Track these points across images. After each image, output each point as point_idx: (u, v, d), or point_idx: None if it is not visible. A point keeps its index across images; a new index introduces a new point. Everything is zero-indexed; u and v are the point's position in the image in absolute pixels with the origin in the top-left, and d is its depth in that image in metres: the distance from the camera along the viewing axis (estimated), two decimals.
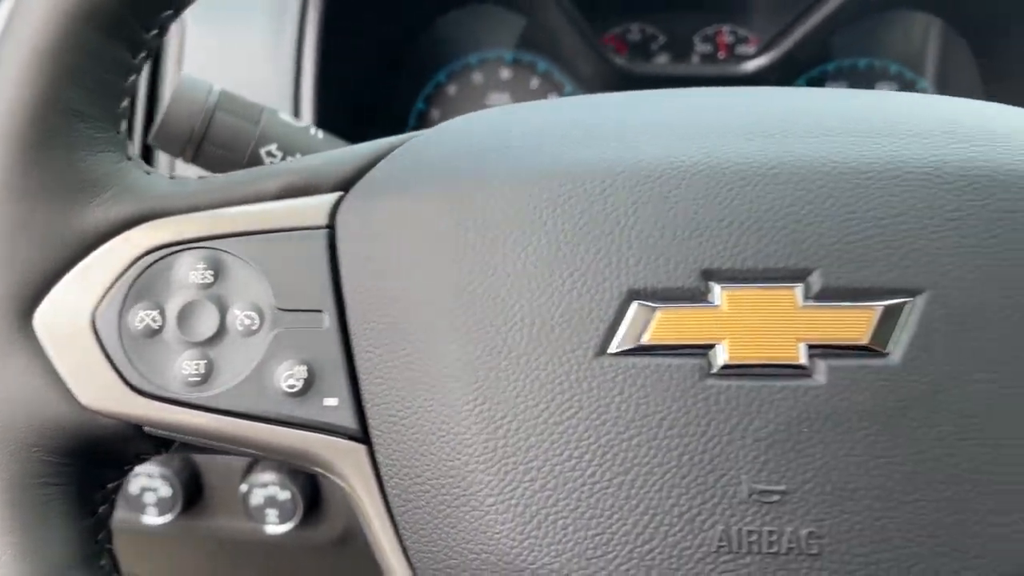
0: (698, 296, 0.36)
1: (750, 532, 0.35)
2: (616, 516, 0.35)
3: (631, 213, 0.37)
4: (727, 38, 0.98)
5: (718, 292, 0.36)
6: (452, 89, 1.01)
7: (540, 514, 0.36)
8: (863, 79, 0.98)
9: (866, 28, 0.98)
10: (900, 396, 0.35)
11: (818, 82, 0.99)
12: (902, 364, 0.35)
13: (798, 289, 0.36)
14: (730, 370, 0.36)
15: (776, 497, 0.35)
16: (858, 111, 0.41)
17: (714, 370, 0.36)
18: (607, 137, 0.40)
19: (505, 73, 1.01)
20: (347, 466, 0.39)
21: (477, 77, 1.01)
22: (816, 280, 0.36)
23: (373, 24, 0.89)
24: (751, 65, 0.91)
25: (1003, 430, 0.35)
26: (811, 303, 0.36)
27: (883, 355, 0.35)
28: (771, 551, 0.35)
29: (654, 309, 0.36)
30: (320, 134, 0.60)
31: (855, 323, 0.36)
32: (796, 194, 0.37)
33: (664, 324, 0.36)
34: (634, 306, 0.36)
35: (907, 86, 0.97)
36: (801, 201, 0.37)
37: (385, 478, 0.39)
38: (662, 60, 0.99)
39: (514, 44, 1.01)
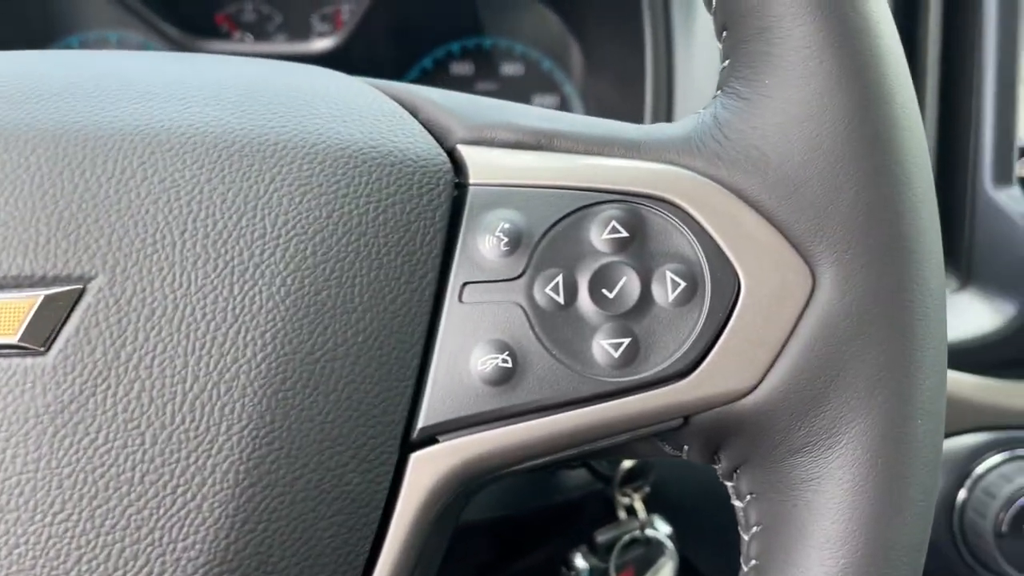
0: None
1: None
2: None
3: None
4: (345, 17, 0.93)
5: None
6: None
7: None
8: (487, 59, 0.95)
9: (498, 10, 0.96)
10: (50, 400, 0.30)
11: (444, 62, 0.95)
12: (58, 362, 0.30)
13: None
14: None
15: None
16: (117, 73, 0.36)
17: None
18: None
19: None
20: None
21: None
22: None
23: None
24: (318, 45, 0.86)
25: (165, 434, 0.30)
26: None
27: (38, 353, 0.30)
28: None
29: None
30: None
31: (7, 318, 0.30)
32: None
33: None
34: None
35: (532, 66, 0.95)
36: None
37: None
38: (280, 39, 0.94)
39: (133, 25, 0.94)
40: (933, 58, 0.69)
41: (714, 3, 0.35)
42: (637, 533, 0.59)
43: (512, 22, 0.95)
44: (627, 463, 0.58)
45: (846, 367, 0.31)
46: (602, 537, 0.59)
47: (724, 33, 0.35)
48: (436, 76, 0.95)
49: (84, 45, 0.93)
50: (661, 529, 0.60)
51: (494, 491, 0.63)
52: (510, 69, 0.96)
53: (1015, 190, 0.69)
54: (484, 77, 0.95)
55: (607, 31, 0.83)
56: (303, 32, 0.94)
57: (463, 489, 0.34)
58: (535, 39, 0.95)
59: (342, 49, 0.86)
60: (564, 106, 0.95)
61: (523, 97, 0.95)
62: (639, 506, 0.58)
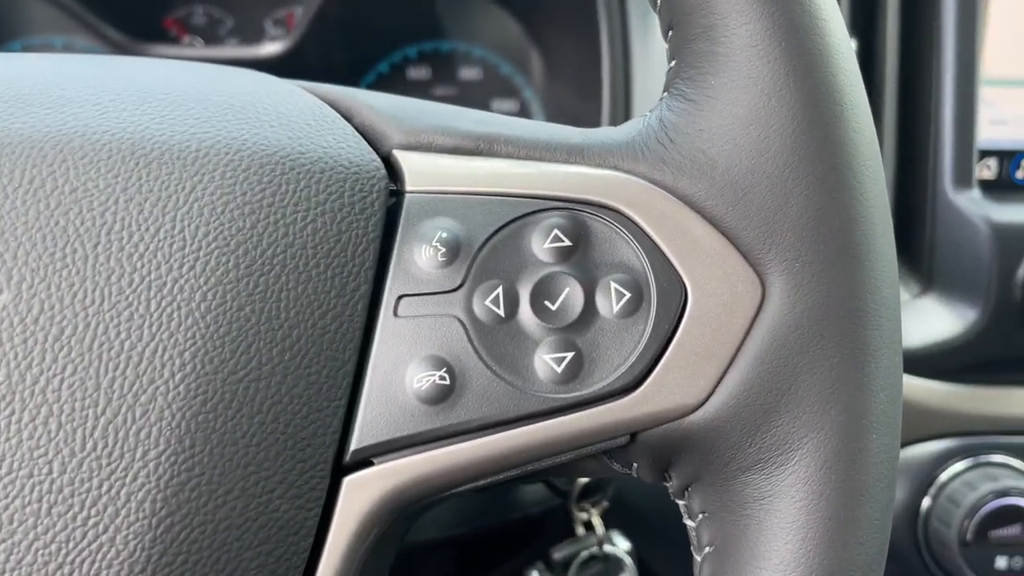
0: None
1: None
2: None
3: None
4: (298, 20, 0.91)
5: None
6: None
7: None
8: (445, 63, 0.94)
9: (455, 13, 0.94)
10: None
11: (400, 66, 0.94)
12: None
13: None
14: None
15: None
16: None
17: None
18: None
19: None
20: None
21: None
22: None
23: None
24: (269, 49, 0.84)
25: (75, 462, 0.28)
26: None
27: None
28: None
29: None
30: None
31: None
32: None
33: None
34: None
35: (490, 71, 0.93)
36: None
37: None
38: (232, 44, 0.92)
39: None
40: (892, 60, 0.69)
41: (659, 1, 0.33)
42: (595, 550, 0.57)
43: (470, 26, 0.93)
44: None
45: (798, 380, 0.30)
46: (559, 554, 0.57)
47: (670, 32, 0.33)
48: (393, 80, 0.93)
49: (28, 50, 0.90)
50: (620, 545, 0.58)
51: (450, 508, 0.61)
52: (468, 73, 0.94)
53: (975, 193, 0.69)
54: (442, 81, 0.94)
55: (565, 35, 0.82)
56: (255, 36, 0.92)
57: (401, 513, 0.32)
58: (494, 43, 0.94)
59: (294, 53, 0.83)
60: (523, 111, 0.93)
61: (482, 102, 0.94)
62: (597, 521, 0.57)
